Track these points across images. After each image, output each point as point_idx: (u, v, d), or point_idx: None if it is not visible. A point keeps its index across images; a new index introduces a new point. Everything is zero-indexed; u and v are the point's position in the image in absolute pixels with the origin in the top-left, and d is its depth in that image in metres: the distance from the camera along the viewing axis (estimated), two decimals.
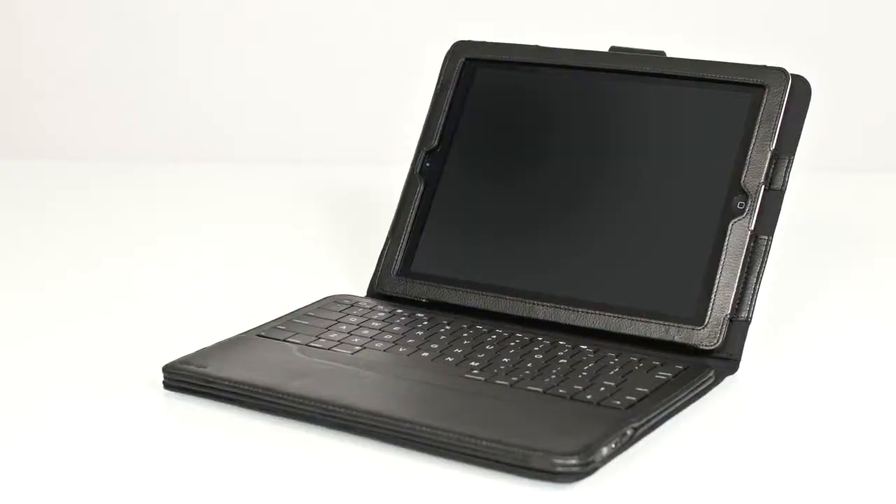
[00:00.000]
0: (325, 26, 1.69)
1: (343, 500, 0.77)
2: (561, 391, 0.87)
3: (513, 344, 0.95)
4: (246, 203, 1.48)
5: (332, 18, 1.69)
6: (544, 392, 0.87)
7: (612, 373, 0.90)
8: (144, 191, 1.53)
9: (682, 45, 1.11)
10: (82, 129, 1.72)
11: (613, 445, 0.81)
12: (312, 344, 0.95)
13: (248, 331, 0.98)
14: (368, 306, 1.03)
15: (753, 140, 0.97)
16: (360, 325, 0.99)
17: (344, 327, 0.98)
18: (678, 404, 0.88)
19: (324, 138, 1.71)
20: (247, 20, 1.69)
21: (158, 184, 1.57)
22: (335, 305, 1.03)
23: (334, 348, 0.94)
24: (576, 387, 0.87)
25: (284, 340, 0.96)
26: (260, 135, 1.72)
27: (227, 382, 0.89)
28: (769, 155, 0.97)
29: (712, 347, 0.94)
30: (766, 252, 0.96)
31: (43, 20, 1.70)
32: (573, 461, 0.78)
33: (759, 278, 0.96)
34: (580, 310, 0.98)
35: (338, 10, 1.68)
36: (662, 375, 0.90)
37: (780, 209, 0.97)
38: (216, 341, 0.95)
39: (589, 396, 0.86)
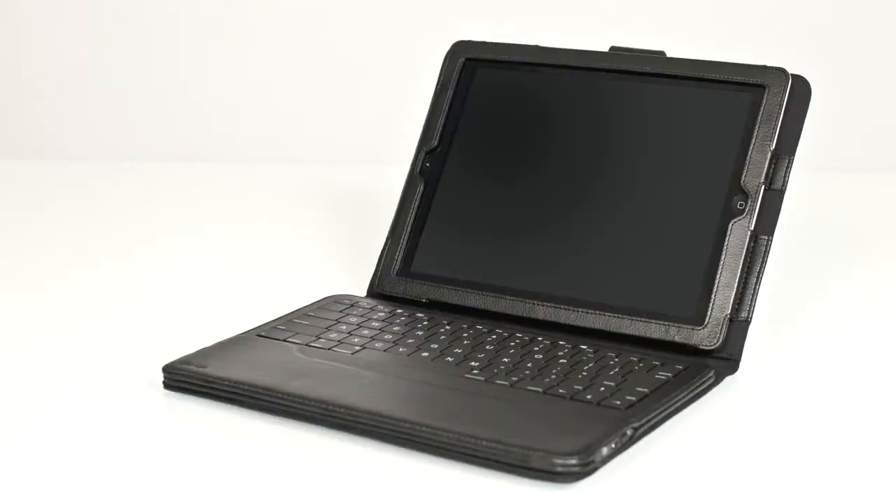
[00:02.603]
0: (325, 26, 1.69)
1: (343, 500, 0.77)
2: (561, 391, 0.87)
3: (513, 344, 0.95)
4: (246, 203, 1.48)
5: (332, 18, 1.68)
6: (544, 392, 0.87)
7: (612, 373, 0.90)
8: (144, 191, 1.53)
9: (682, 45, 1.10)
10: (82, 129, 1.72)
11: (613, 445, 0.81)
12: (312, 344, 0.95)
13: (248, 331, 0.98)
14: (368, 306, 1.03)
15: (753, 140, 0.97)
16: (360, 325, 0.99)
17: (344, 327, 0.98)
18: (678, 404, 0.88)
19: (324, 138, 1.71)
20: (247, 20, 1.69)
21: (158, 184, 1.57)
22: (335, 305, 1.03)
23: (334, 348, 0.94)
24: (576, 387, 0.87)
25: (284, 340, 0.96)
26: (260, 135, 1.72)
27: (227, 382, 0.88)
28: (769, 155, 0.97)
29: (712, 347, 0.94)
30: (766, 252, 0.96)
31: (43, 20, 1.70)
32: (573, 461, 0.78)
33: (759, 278, 0.96)
34: (580, 310, 0.98)
35: (338, 10, 1.68)
36: (662, 375, 0.90)
37: (780, 209, 0.97)
38: (216, 341, 0.95)
39: (589, 396, 0.86)
